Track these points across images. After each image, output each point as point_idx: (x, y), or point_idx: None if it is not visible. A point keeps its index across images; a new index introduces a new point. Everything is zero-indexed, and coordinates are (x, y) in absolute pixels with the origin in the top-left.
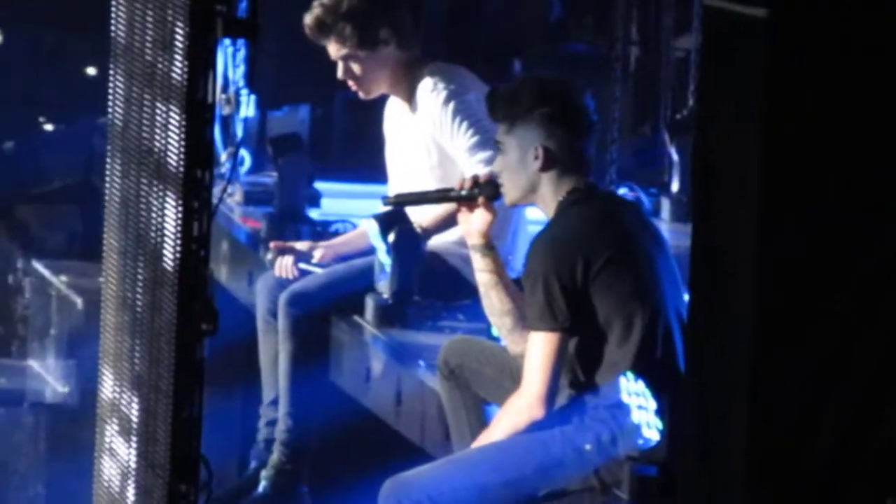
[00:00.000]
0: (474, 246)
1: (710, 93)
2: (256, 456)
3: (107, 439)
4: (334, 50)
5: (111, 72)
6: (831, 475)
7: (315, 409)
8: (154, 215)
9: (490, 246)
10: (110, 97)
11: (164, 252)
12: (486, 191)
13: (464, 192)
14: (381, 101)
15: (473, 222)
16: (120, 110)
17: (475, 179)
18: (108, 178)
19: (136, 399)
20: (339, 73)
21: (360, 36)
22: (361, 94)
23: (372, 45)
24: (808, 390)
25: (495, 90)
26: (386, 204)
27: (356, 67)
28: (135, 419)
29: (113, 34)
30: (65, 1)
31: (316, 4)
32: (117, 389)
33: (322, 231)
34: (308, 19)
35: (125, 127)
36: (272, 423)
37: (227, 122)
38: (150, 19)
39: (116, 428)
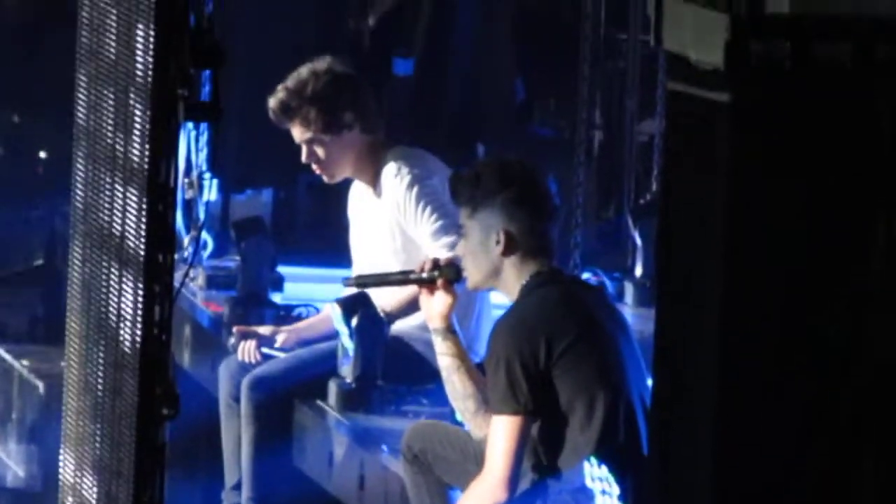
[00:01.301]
0: (436, 329)
1: (673, 177)
2: None
3: None
4: (298, 133)
5: (74, 154)
6: None
7: (278, 493)
8: (115, 299)
9: (452, 329)
10: (73, 180)
11: (125, 336)
12: (446, 273)
13: (424, 275)
14: (344, 185)
15: (434, 305)
16: (81, 194)
17: (435, 262)
18: (69, 262)
19: (97, 483)
20: (304, 157)
21: (324, 120)
22: (326, 178)
23: (336, 129)
24: (774, 475)
25: (458, 173)
26: (346, 285)
27: (320, 151)
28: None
29: (76, 117)
30: (22, 83)
31: (280, 88)
32: (79, 473)
33: (285, 315)
34: (272, 103)
35: (87, 210)
36: None
37: (189, 206)
38: (112, 102)
39: None
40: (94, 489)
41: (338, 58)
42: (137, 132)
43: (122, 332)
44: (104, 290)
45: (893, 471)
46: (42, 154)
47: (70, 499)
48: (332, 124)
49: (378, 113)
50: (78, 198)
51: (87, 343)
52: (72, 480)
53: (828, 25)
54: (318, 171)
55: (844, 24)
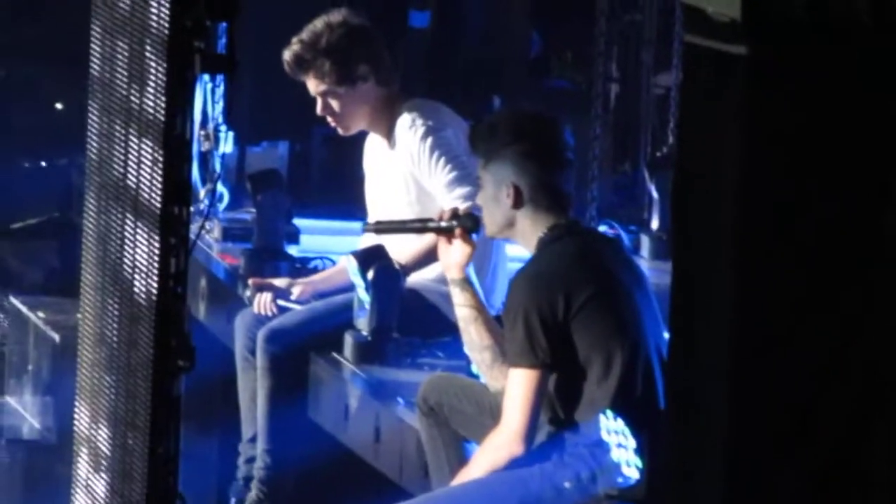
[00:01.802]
0: (453, 280)
1: (689, 130)
2: (235, 493)
3: (82, 476)
4: (313, 86)
5: (89, 107)
6: None
7: (293, 446)
8: (130, 251)
9: (469, 280)
10: (88, 132)
11: (141, 288)
12: (464, 223)
13: (443, 224)
14: (359, 138)
15: (452, 255)
16: (96, 146)
17: (454, 211)
18: (84, 214)
19: (112, 435)
20: (318, 109)
21: (338, 72)
22: (340, 131)
23: (351, 82)
24: (789, 427)
25: (476, 125)
26: (365, 231)
27: (335, 103)
28: (111, 455)
29: (91, 69)
30: (38, 34)
31: (295, 40)
32: (93, 426)
33: (301, 268)
34: (287, 55)
35: (102, 163)
36: (251, 461)
37: (205, 159)
38: (127, 54)
39: (92, 464)
40: (109, 441)
41: (353, 10)
42: (153, 84)
43: (137, 284)
44: (119, 242)
45: None
46: (58, 105)
47: (84, 450)
48: (346, 77)
49: (393, 65)
50: (93, 150)
51: (102, 295)
52: (86, 432)
53: None
54: (332, 124)
55: None
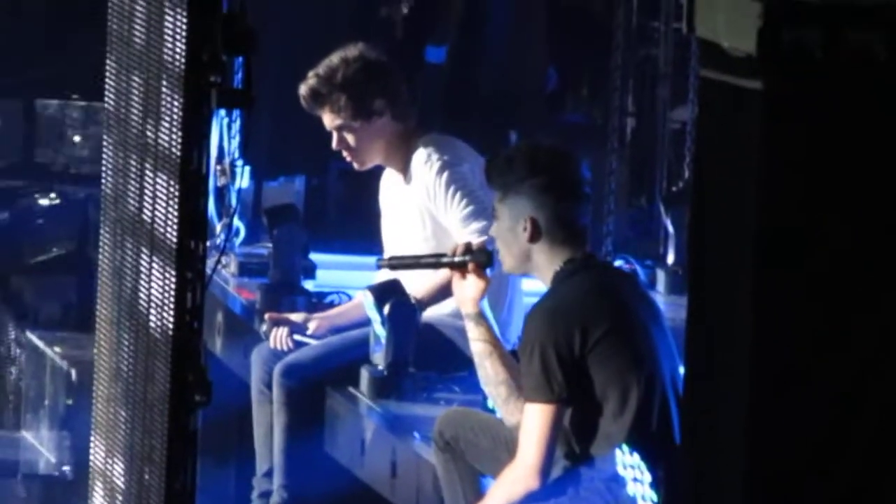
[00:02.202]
0: (468, 314)
1: (705, 165)
2: None
3: None
4: (329, 120)
5: (104, 142)
6: None
7: (310, 481)
8: (147, 286)
9: (483, 315)
10: (103, 167)
11: (157, 323)
12: (478, 257)
13: (456, 259)
14: (376, 172)
15: (466, 290)
16: (112, 180)
17: (468, 246)
18: (100, 249)
19: (128, 470)
20: (334, 144)
21: (354, 107)
22: (356, 165)
23: (367, 116)
24: (806, 463)
25: (493, 157)
26: (379, 267)
27: (351, 138)
28: (127, 490)
29: (106, 104)
30: (59, 69)
31: (311, 74)
32: (109, 460)
33: (317, 302)
34: (303, 89)
35: (118, 197)
36: (266, 495)
37: (222, 193)
38: (143, 89)
39: (108, 499)
40: (125, 475)
41: (369, 45)
42: (169, 119)
43: (153, 318)
44: (135, 276)
45: None
46: (76, 139)
47: (100, 485)
48: (362, 111)
49: (410, 100)
50: (108, 185)
51: (118, 330)
52: (102, 467)
53: (860, 13)
54: (348, 158)
55: (877, 13)
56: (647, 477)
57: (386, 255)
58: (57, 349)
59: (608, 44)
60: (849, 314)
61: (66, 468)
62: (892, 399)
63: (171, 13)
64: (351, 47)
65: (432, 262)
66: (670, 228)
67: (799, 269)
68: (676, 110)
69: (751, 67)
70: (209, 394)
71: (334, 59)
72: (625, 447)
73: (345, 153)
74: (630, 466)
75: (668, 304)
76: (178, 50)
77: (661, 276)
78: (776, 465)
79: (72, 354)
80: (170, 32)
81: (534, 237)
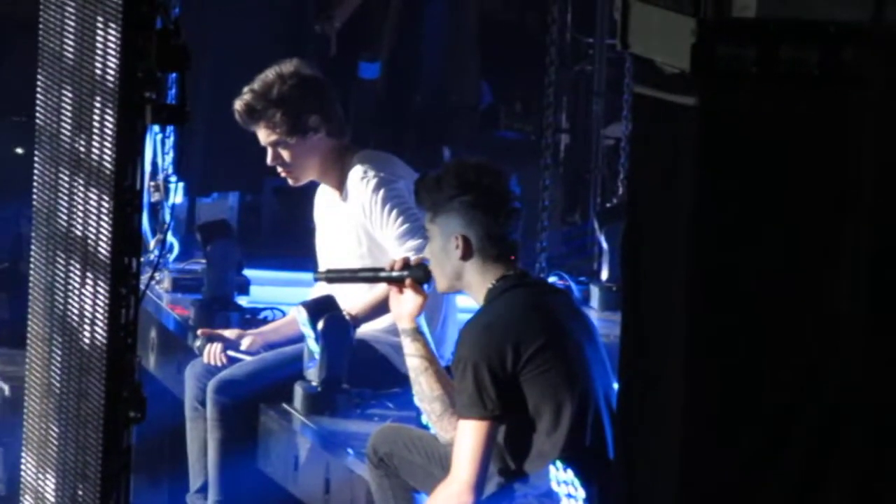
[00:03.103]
0: (404, 330)
1: (639, 181)
2: None
3: None
4: (264, 136)
5: (36, 157)
6: None
7: (244, 497)
8: (80, 302)
9: (420, 330)
10: (36, 183)
11: (91, 339)
12: (415, 273)
13: (394, 274)
14: (310, 189)
15: (404, 305)
16: (45, 196)
17: (406, 261)
18: (32, 264)
19: (61, 486)
20: (269, 160)
21: (289, 123)
22: (291, 181)
23: (301, 133)
24: (739, 479)
25: (421, 178)
26: (316, 279)
27: (285, 154)
28: None
29: (39, 120)
30: None
31: (246, 90)
32: (41, 476)
33: (251, 318)
34: (238, 105)
35: (49, 213)
36: None
37: (155, 209)
38: (76, 105)
39: None
40: (56, 492)
41: (304, 61)
42: (103, 135)
43: (86, 335)
44: (68, 292)
45: (861, 488)
46: (7, 155)
47: (30, 501)
48: (297, 127)
49: (344, 117)
50: (42, 200)
51: (50, 346)
52: (33, 483)
53: (795, 29)
54: (283, 174)
55: (811, 29)
56: (581, 493)
57: (322, 269)
58: None
59: (542, 60)
60: (783, 329)
61: (0, 485)
62: (827, 415)
63: (104, 29)
64: (286, 63)
65: (370, 276)
66: (604, 245)
67: (734, 285)
68: (610, 127)
69: (685, 84)
70: (143, 410)
71: (269, 74)
72: (559, 463)
73: (279, 169)
74: (564, 483)
75: (602, 320)
76: (111, 66)
77: (595, 292)
78: (710, 480)
79: (5, 371)
80: (102, 48)
81: (465, 255)
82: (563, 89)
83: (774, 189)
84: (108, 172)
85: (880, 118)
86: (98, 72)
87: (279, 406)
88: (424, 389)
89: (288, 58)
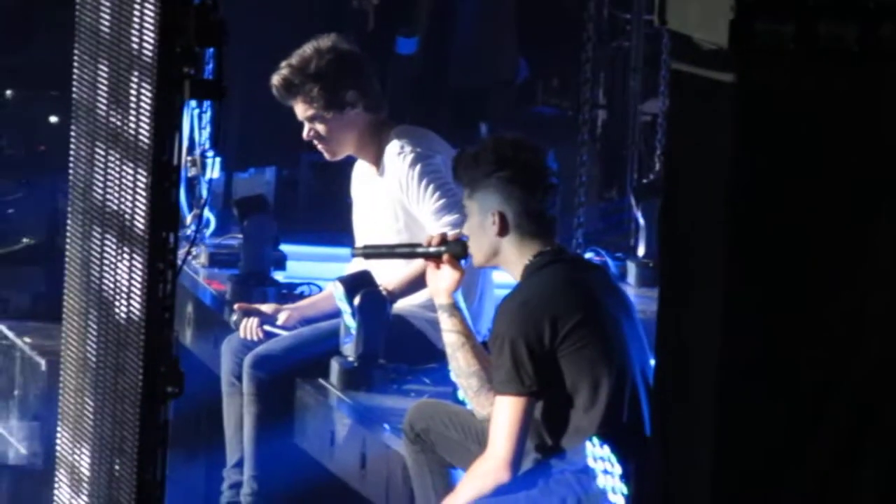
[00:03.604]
0: (441, 305)
1: (676, 157)
2: None
3: (66, 502)
4: (301, 110)
5: (73, 132)
6: None
7: (280, 472)
8: (118, 277)
9: (457, 306)
10: (72, 158)
11: (129, 314)
12: (453, 249)
13: (431, 249)
14: (347, 164)
15: (441, 280)
16: (81, 171)
17: (443, 237)
18: (68, 239)
19: (97, 460)
20: (305, 134)
21: (326, 97)
22: (328, 156)
23: (338, 107)
24: (776, 455)
25: (460, 154)
26: (354, 255)
27: (322, 128)
28: (95, 480)
29: (75, 95)
30: (27, 59)
31: (284, 65)
32: (76, 450)
33: (287, 293)
34: (276, 79)
35: (86, 188)
36: (236, 486)
37: (192, 184)
38: (113, 79)
39: (75, 489)
40: (93, 466)
41: (342, 36)
42: (141, 110)
43: (123, 309)
44: (105, 267)
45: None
46: (46, 130)
47: (65, 474)
48: (334, 102)
49: (381, 92)
50: (78, 175)
51: (87, 320)
52: (69, 457)
53: (833, 5)
54: (319, 148)
55: (850, 5)
56: (618, 469)
57: (359, 245)
58: (27, 340)
59: (579, 36)
60: (821, 306)
61: (36, 458)
62: (862, 391)
63: (141, 4)
64: (324, 38)
65: (407, 251)
66: (641, 221)
67: (770, 261)
68: (647, 102)
69: (722, 60)
70: (181, 385)
71: (307, 49)
72: (595, 439)
73: (316, 143)
74: (600, 458)
75: (638, 296)
76: (149, 41)
77: (631, 268)
78: (746, 457)
79: (41, 345)
80: (138, 23)
81: (502, 231)
82: (600, 65)
83: (811, 165)
84: (145, 147)
85: None
86: (135, 46)
87: (315, 381)
88: (461, 365)
89: (325, 33)
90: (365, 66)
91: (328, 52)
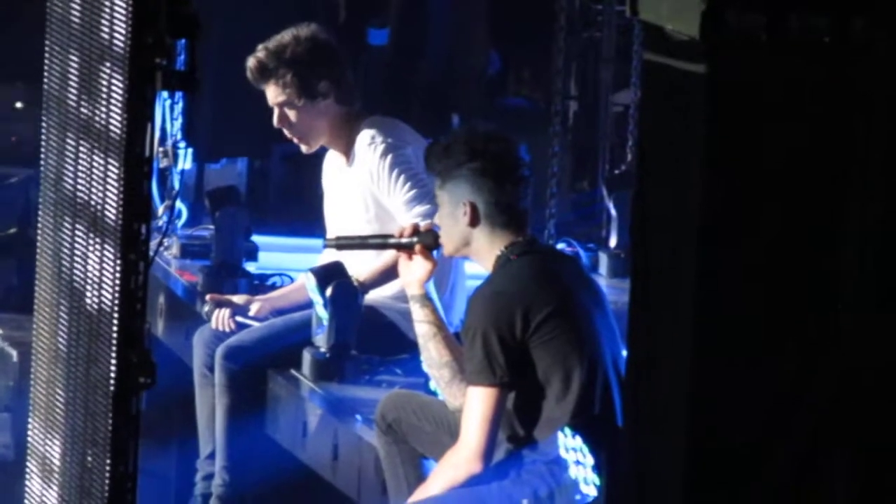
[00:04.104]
0: (413, 296)
1: (648, 148)
2: None
3: (35, 492)
4: (272, 95)
5: (44, 123)
6: None
7: (252, 463)
8: (89, 268)
9: (429, 296)
10: (43, 149)
11: (101, 305)
12: (425, 239)
13: (403, 240)
14: (319, 155)
15: (413, 271)
16: (52, 161)
17: (415, 227)
18: (39, 230)
19: (68, 452)
20: (275, 121)
21: (299, 85)
22: (303, 148)
23: (310, 96)
24: (748, 446)
25: (431, 145)
26: (326, 246)
27: (292, 115)
28: (66, 472)
29: (46, 85)
30: None
31: (260, 48)
32: (48, 442)
33: (259, 284)
34: (251, 62)
35: (58, 179)
36: (209, 478)
37: (164, 175)
38: (84, 70)
39: (45, 480)
40: (64, 457)
41: (321, 27)
42: (112, 101)
43: (95, 300)
44: (76, 258)
45: (866, 458)
46: (15, 123)
47: (36, 465)
48: (306, 90)
49: (355, 86)
50: (50, 166)
51: (58, 311)
52: (41, 449)
53: None
54: (288, 136)
55: None
56: (590, 460)
57: (328, 237)
58: None
59: (551, 26)
60: (791, 297)
61: (7, 450)
62: (834, 383)
63: None
64: (304, 27)
65: (379, 242)
66: (613, 212)
67: (741, 252)
68: (619, 94)
69: (694, 51)
70: (153, 376)
71: (286, 35)
72: (567, 430)
73: (285, 130)
74: (572, 449)
75: (610, 287)
76: (120, 31)
77: (603, 259)
78: (718, 448)
79: (13, 336)
80: (109, 13)
81: (473, 221)
82: (571, 56)
83: (783, 157)
84: (117, 138)
85: (890, 87)
86: (105, 37)
87: (287, 372)
88: (433, 356)
89: (296, 22)
90: (341, 58)
91: (306, 41)
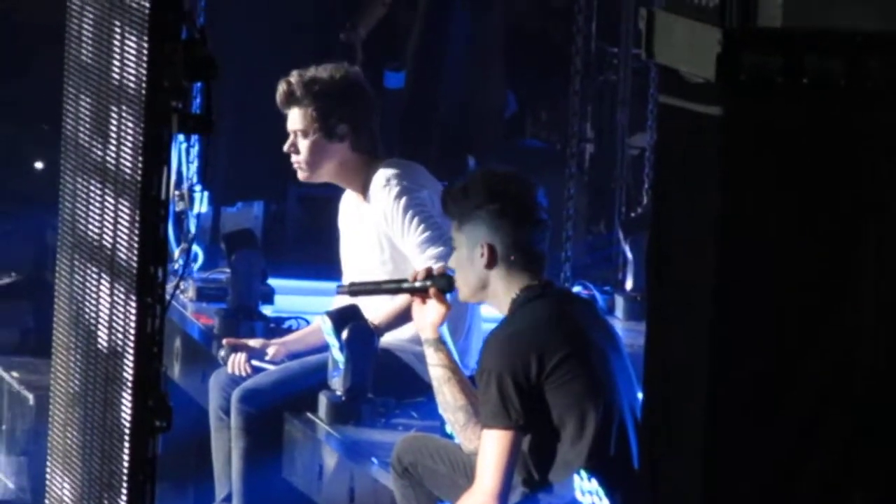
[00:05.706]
0: (427, 340)
1: (664, 191)
2: None
3: None
4: (291, 121)
5: (62, 166)
6: None
7: None
8: (99, 310)
9: (443, 340)
10: (61, 192)
11: (117, 348)
12: (438, 283)
13: (417, 284)
14: (335, 198)
15: (427, 315)
16: (70, 205)
17: (429, 271)
18: (56, 273)
19: (86, 496)
20: (286, 146)
21: (319, 121)
22: (300, 175)
23: (327, 135)
24: (765, 491)
25: (449, 187)
26: (339, 292)
27: (303, 145)
28: None
29: (64, 129)
30: (15, 94)
31: (294, 73)
32: (66, 486)
33: (275, 328)
34: (282, 85)
35: (75, 222)
36: None
37: (180, 218)
38: (102, 115)
39: None
40: (79, 501)
41: (362, 73)
42: (129, 144)
43: (112, 344)
44: (94, 302)
45: (887, 497)
46: (38, 165)
47: None
48: (324, 128)
49: (377, 136)
50: (66, 209)
51: (75, 355)
52: (58, 493)
53: (820, 39)
54: (295, 165)
55: (837, 39)
56: (606, 503)
57: (344, 278)
58: (15, 374)
59: (567, 69)
60: (805, 347)
61: (24, 494)
62: (849, 439)
63: (129, 38)
64: (344, 66)
65: (393, 287)
66: (629, 254)
67: (759, 297)
68: (635, 136)
69: (710, 94)
70: (170, 419)
71: (323, 70)
72: (583, 473)
73: (293, 157)
74: (588, 492)
75: (626, 330)
76: (132, 74)
77: (619, 302)
78: (735, 492)
79: (30, 380)
80: (119, 57)
81: (491, 263)
82: (588, 98)
83: (800, 199)
84: (133, 182)
85: None
86: (124, 81)
87: (304, 415)
88: (448, 399)
89: (313, 66)
90: (369, 106)
91: (340, 80)
